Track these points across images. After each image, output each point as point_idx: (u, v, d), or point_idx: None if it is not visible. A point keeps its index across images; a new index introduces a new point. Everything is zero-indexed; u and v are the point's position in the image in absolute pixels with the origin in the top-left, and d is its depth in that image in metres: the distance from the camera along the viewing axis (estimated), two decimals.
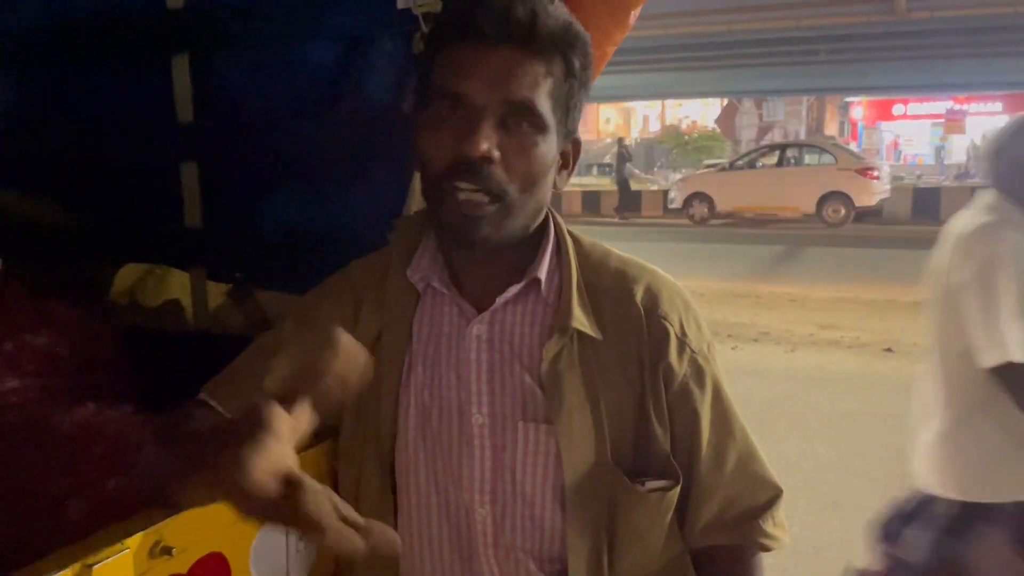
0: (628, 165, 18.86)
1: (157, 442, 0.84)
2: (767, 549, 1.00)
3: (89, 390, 1.38)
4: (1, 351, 1.41)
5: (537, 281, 0.94)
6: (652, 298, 0.96)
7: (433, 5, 1.19)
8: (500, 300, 0.94)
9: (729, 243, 13.37)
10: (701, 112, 41.87)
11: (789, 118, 35.70)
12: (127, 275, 1.74)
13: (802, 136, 31.70)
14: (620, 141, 20.53)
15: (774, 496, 1.00)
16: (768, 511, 0.99)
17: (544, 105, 0.87)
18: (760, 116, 34.63)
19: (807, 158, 16.68)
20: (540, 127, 0.87)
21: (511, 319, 0.95)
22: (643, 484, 0.92)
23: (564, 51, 0.88)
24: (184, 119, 1.52)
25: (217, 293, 1.62)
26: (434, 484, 0.95)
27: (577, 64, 0.90)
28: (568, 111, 0.91)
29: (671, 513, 0.95)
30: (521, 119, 0.86)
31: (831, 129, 36.12)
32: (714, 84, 24.74)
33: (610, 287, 0.97)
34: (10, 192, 1.77)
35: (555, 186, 0.94)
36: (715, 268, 10.11)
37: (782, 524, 1.00)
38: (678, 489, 0.94)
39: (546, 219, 0.98)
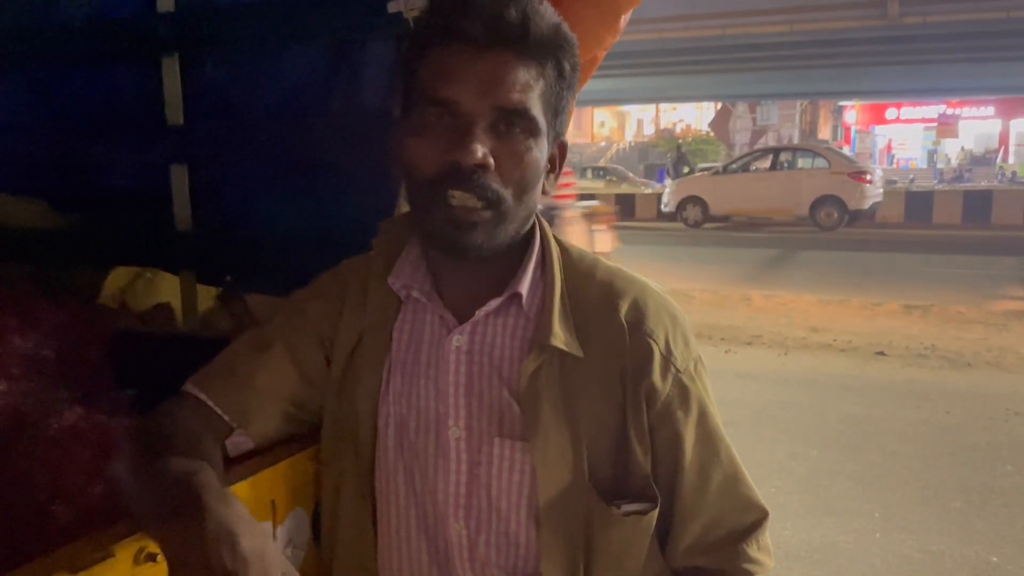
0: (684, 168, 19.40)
1: (138, 476, 0.81)
2: (751, 574, 0.96)
3: (77, 394, 1.37)
4: None
5: (518, 295, 0.92)
6: (637, 313, 0.93)
7: (423, 9, 1.18)
8: (480, 313, 0.92)
9: (722, 247, 13.40)
10: (695, 116, 42.00)
11: (783, 122, 35.79)
12: (117, 278, 1.73)
13: (795, 140, 31.81)
14: (679, 147, 21.59)
15: (759, 519, 0.97)
16: (753, 534, 0.96)
17: (536, 109, 0.85)
18: (754, 120, 34.71)
19: (800, 162, 16.73)
20: (533, 131, 0.86)
21: (492, 332, 0.93)
22: (619, 507, 0.90)
23: (555, 54, 0.86)
24: (174, 122, 1.52)
25: (207, 297, 1.61)
26: (413, 495, 0.93)
27: (567, 66, 0.88)
28: (557, 114, 0.90)
29: (649, 536, 0.93)
30: (514, 124, 0.84)
31: (824, 133, 36.22)
32: (708, 88, 24.82)
33: (595, 301, 0.94)
34: None
35: (544, 191, 0.92)
36: (708, 272, 10.13)
37: (767, 548, 0.97)
38: (655, 513, 0.91)
39: (532, 228, 0.96)
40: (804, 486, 3.75)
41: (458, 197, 0.83)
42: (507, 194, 0.85)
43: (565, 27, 0.88)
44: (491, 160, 0.83)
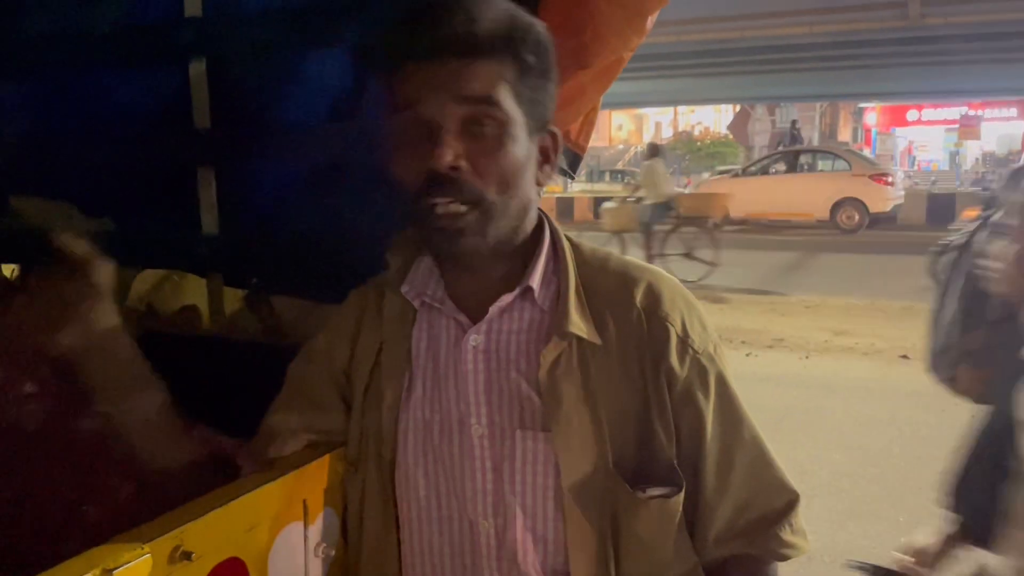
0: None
1: None
2: (785, 558, 0.96)
3: None
4: (19, 356, 1.41)
5: (530, 289, 0.93)
6: (653, 299, 0.94)
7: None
8: (494, 309, 0.93)
9: (742, 249, 13.31)
10: (714, 118, 41.83)
11: (803, 124, 35.53)
12: (144, 281, 1.75)
13: (815, 142, 31.60)
14: (793, 123, 22.79)
15: (791, 501, 0.96)
16: (785, 518, 0.95)
17: (506, 103, 0.86)
18: (773, 122, 34.47)
19: (821, 164, 16.62)
20: (505, 125, 0.86)
21: (507, 327, 0.94)
22: (644, 491, 0.90)
23: (513, 49, 0.86)
24: (201, 125, 1.53)
25: (233, 299, 1.62)
26: (435, 498, 0.94)
27: (531, 59, 0.87)
28: (533, 104, 0.89)
29: (676, 522, 0.92)
30: (481, 123, 0.85)
31: (844, 135, 35.95)
32: (727, 90, 24.70)
33: (610, 290, 0.95)
34: (27, 198, 1.78)
35: (538, 182, 0.93)
36: (728, 274, 10.07)
37: (801, 531, 0.96)
38: (681, 496, 0.91)
39: (540, 226, 0.97)
40: (827, 490, 3.73)
41: (441, 204, 0.85)
42: (488, 191, 0.86)
43: (522, 18, 0.88)
44: (463, 162, 0.84)
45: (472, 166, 0.85)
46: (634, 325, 0.93)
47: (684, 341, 0.93)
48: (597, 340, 0.92)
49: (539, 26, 0.89)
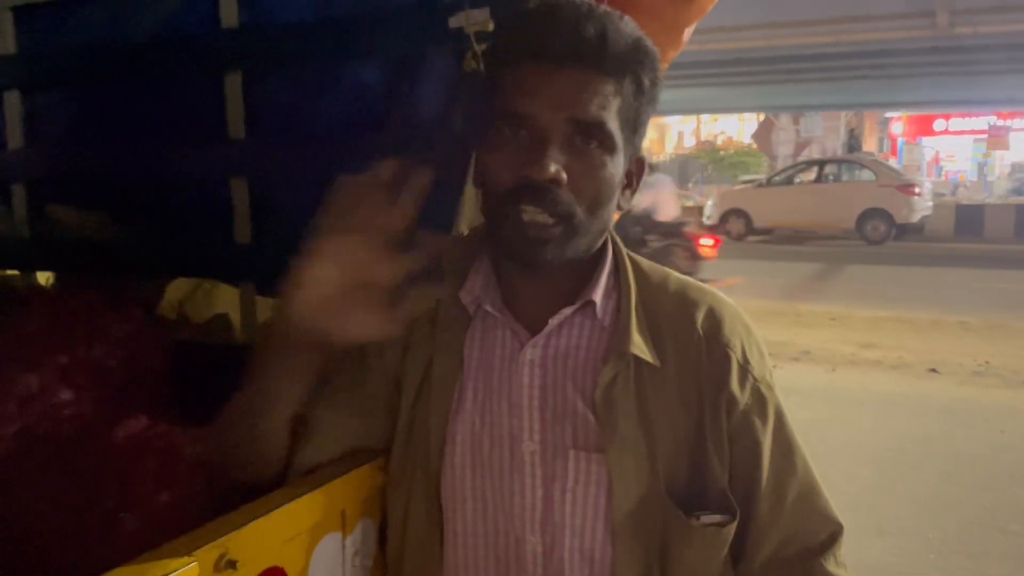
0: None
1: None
2: None
3: (140, 403, 1.40)
4: (55, 364, 1.43)
5: (591, 303, 0.92)
6: (714, 323, 0.93)
7: (485, 24, 1.19)
8: (554, 322, 0.92)
9: (766, 260, 13.23)
10: (737, 128, 41.60)
11: (827, 134, 35.25)
12: (177, 289, 1.76)
13: (840, 152, 31.39)
14: (851, 132, 23.46)
15: (835, 533, 0.96)
16: (830, 549, 0.95)
17: (613, 124, 0.85)
18: (797, 132, 34.21)
19: (846, 174, 16.50)
20: (609, 147, 0.85)
21: (565, 343, 0.93)
22: (698, 518, 0.88)
23: (635, 69, 0.86)
24: (235, 136, 1.54)
25: (265, 308, 1.63)
26: (482, 513, 0.93)
27: (647, 82, 0.88)
28: (636, 129, 0.89)
29: (726, 549, 0.91)
30: (589, 139, 0.84)
31: (870, 145, 35.61)
32: (751, 99, 24.60)
33: (670, 311, 0.94)
34: (63, 207, 1.80)
35: (619, 206, 0.92)
36: (753, 285, 10.01)
37: (844, 563, 0.96)
38: (734, 525, 0.90)
39: (604, 240, 0.96)
40: (856, 506, 3.68)
41: (530, 212, 0.84)
42: (579, 209, 0.85)
43: (646, 42, 0.87)
44: (564, 176, 0.83)
45: (570, 181, 0.84)
46: (694, 349, 0.92)
47: (744, 368, 0.92)
48: (657, 362, 0.90)
49: (657, 52, 0.89)
